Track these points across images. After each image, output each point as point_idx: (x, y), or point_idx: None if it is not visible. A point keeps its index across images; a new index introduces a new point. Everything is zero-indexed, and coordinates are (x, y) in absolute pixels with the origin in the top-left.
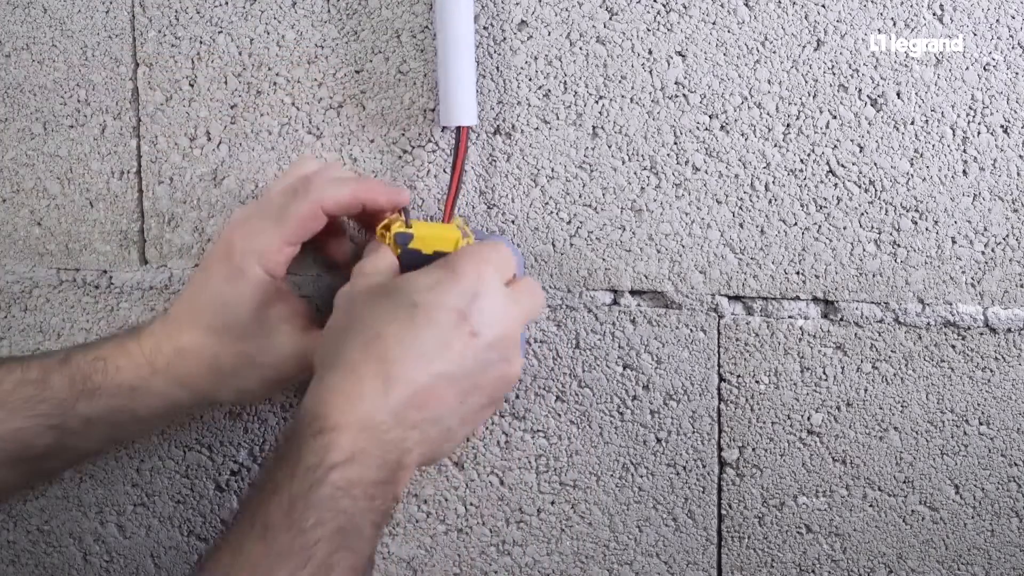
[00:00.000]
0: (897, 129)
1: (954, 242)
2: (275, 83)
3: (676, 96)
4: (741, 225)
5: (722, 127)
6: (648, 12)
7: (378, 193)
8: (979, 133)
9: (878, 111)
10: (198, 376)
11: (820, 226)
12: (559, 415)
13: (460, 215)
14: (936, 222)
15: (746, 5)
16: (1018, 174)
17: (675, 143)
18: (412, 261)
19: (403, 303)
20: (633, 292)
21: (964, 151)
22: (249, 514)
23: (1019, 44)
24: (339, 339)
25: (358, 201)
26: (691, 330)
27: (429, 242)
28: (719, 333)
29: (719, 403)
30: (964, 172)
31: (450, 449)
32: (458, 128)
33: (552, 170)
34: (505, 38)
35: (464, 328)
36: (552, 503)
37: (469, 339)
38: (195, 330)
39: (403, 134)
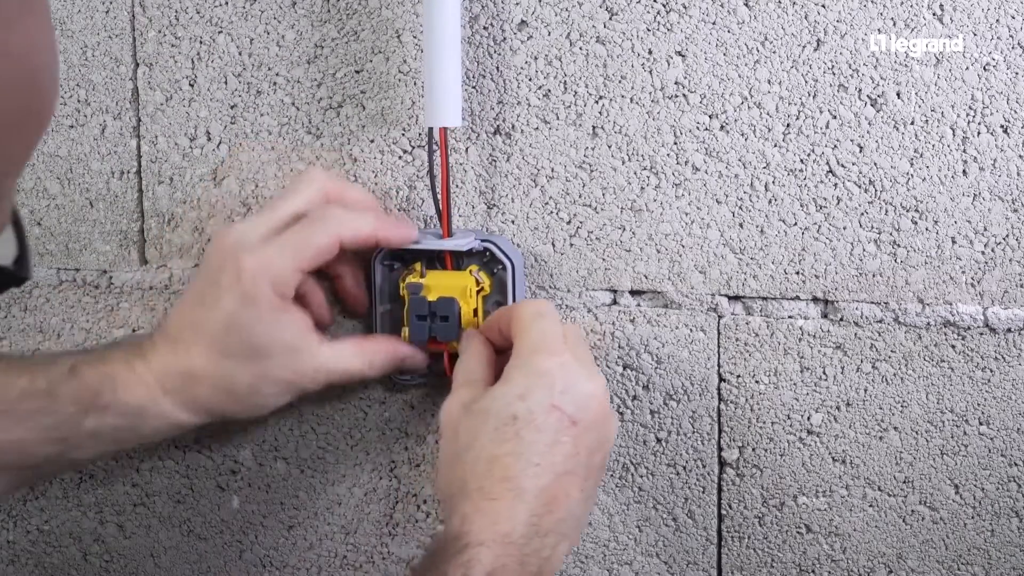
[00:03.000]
0: (897, 129)
1: (954, 242)
2: (275, 83)
3: (676, 96)
4: (741, 225)
5: (722, 127)
6: (648, 12)
7: (392, 232)
8: (979, 133)
9: (878, 111)
10: (211, 399)
11: (820, 226)
12: None
13: (460, 223)
14: (936, 222)
15: (746, 5)
16: (1018, 174)
17: (675, 143)
18: (418, 308)
19: (504, 420)
20: (633, 292)
21: (964, 151)
22: None
23: (1019, 44)
24: (459, 466)
25: (375, 238)
26: (691, 330)
27: (435, 291)
28: (719, 333)
29: (719, 403)
30: (964, 172)
31: (582, 530)
32: (430, 129)
33: (552, 170)
34: (505, 38)
35: (564, 421)
36: None
37: (572, 429)
38: (206, 354)
39: (403, 134)
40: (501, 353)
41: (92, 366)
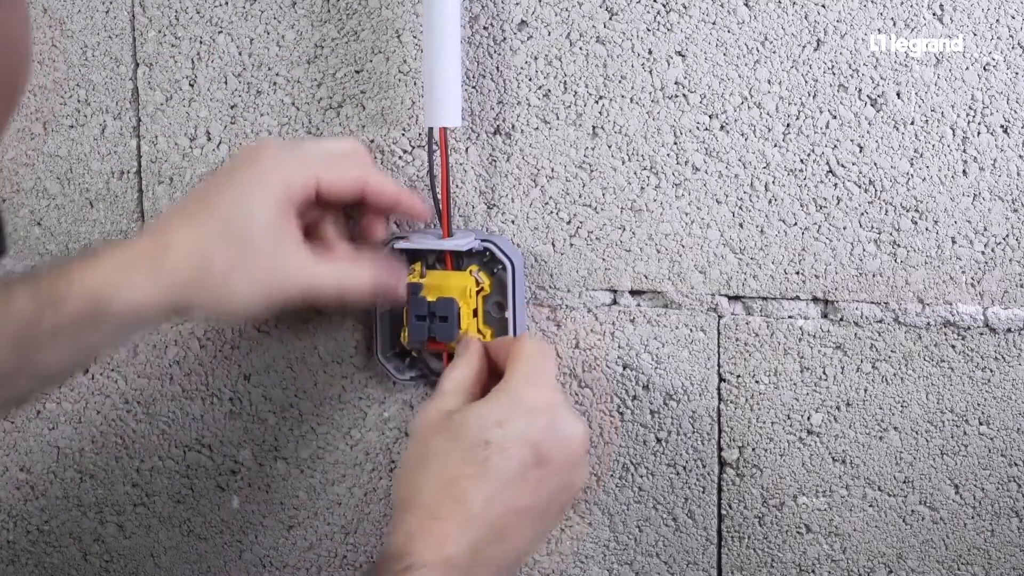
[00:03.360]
0: (897, 129)
1: (954, 242)
2: (275, 83)
3: (676, 96)
4: (741, 225)
5: (722, 127)
6: (648, 12)
7: (414, 202)
8: (979, 133)
9: (878, 111)
10: (180, 272)
11: (820, 226)
12: None
13: (460, 223)
14: (936, 222)
15: (746, 5)
16: (1018, 174)
17: (675, 143)
18: (418, 308)
19: (476, 442)
20: (633, 292)
21: (964, 151)
22: None
23: (1019, 44)
24: (417, 478)
25: (397, 203)
26: (691, 330)
27: (435, 291)
28: (719, 333)
29: (719, 403)
30: (964, 172)
31: (522, 567)
32: (430, 129)
33: (552, 170)
34: (505, 38)
35: (535, 458)
36: None
37: (540, 468)
38: (190, 226)
39: (403, 134)
40: (493, 376)
41: (51, 267)
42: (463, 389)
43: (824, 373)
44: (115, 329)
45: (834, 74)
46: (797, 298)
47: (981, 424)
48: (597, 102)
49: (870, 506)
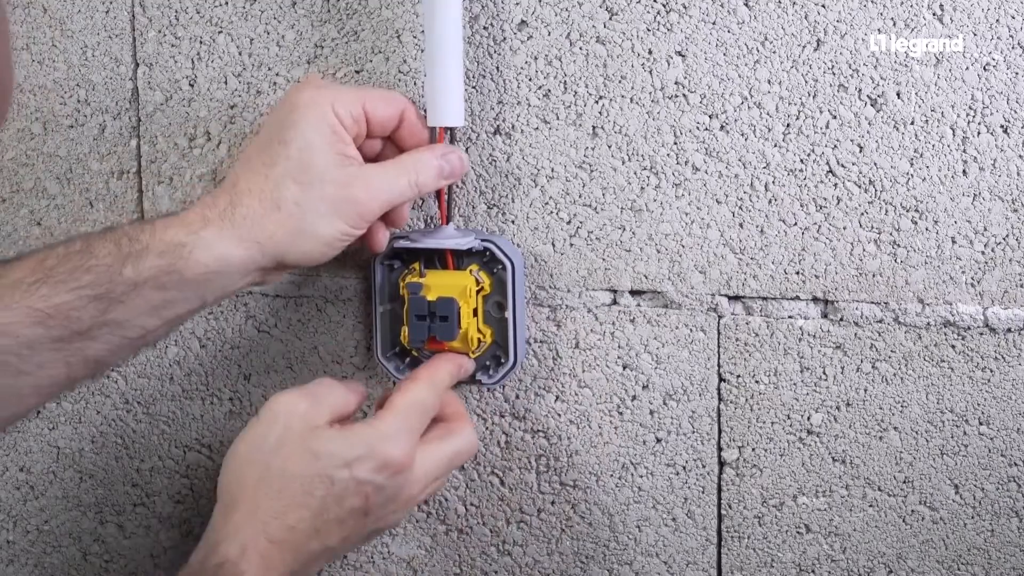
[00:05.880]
0: (897, 129)
1: (954, 242)
2: (275, 83)
3: (676, 96)
4: (741, 225)
5: (722, 127)
6: (648, 12)
7: (462, 171)
8: (979, 133)
9: (878, 111)
10: (254, 219)
11: (820, 226)
12: (559, 415)
13: (460, 223)
14: (936, 222)
15: (746, 5)
16: (1018, 174)
17: (675, 143)
18: (418, 308)
19: (322, 475)
20: (633, 292)
21: (964, 151)
22: None
23: (1019, 44)
24: (258, 486)
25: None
26: (691, 330)
27: (435, 290)
28: (719, 333)
29: (719, 403)
30: (964, 172)
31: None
32: (432, 129)
33: (552, 170)
34: (505, 38)
35: (363, 508)
36: (552, 503)
37: (363, 517)
38: (254, 171)
39: None
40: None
41: (131, 223)
42: (335, 413)
43: (824, 373)
44: (195, 286)
45: (834, 74)
46: (797, 298)
47: (981, 424)
48: (597, 102)
49: (870, 506)
